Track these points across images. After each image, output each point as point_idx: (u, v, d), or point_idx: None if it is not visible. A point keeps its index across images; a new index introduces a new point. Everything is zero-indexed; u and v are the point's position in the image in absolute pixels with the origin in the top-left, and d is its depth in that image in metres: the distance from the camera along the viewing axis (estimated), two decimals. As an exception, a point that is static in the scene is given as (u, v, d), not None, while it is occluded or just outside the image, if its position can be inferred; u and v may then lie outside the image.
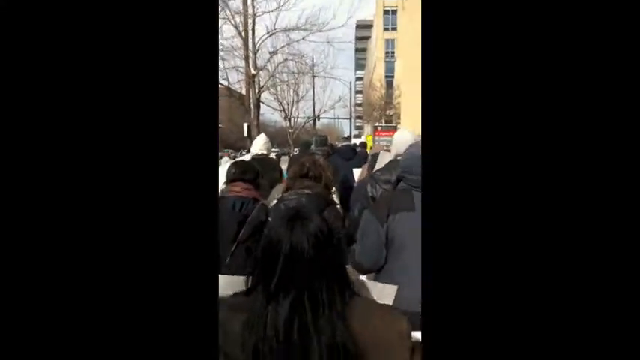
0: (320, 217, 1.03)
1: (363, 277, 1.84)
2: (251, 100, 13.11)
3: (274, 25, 13.30)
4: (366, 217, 1.87)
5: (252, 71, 12.87)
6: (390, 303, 1.20)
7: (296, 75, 17.03)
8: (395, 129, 18.95)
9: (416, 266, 1.53)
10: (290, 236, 0.96)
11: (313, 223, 0.99)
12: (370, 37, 50.61)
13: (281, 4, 12.76)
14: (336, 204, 2.46)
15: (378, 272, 1.81)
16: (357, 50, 58.76)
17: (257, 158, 4.19)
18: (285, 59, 14.70)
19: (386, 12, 39.84)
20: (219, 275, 1.20)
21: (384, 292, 1.18)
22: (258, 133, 13.24)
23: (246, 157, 4.53)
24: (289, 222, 0.98)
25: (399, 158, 2.71)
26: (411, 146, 2.04)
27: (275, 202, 2.56)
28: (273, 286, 0.95)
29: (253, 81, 13.10)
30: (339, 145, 6.67)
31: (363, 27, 52.24)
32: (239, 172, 2.76)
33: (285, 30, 13.29)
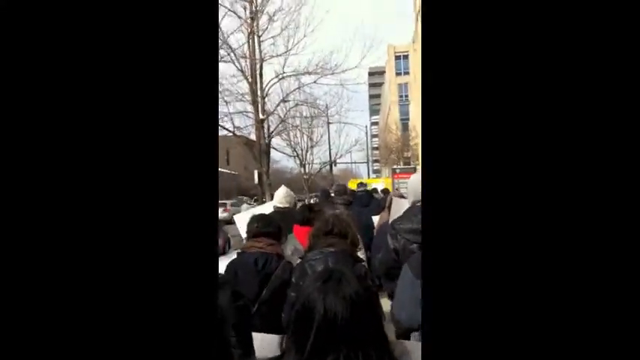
0: (356, 279, 0.98)
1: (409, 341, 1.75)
2: (261, 147, 12.56)
3: (283, 68, 12.57)
4: (403, 271, 1.78)
5: (261, 116, 12.32)
6: None
7: (309, 120, 16.57)
8: (414, 170, 18.81)
9: None
10: (324, 301, 0.91)
11: (350, 286, 0.94)
12: (383, 83, 51.56)
13: (289, 47, 12.13)
14: (362, 261, 2.35)
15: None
16: (370, 97, 59.80)
17: (279, 211, 4.04)
18: (297, 104, 14.14)
19: (397, 57, 40.76)
20: (254, 333, 1.13)
21: None
22: (268, 179, 12.99)
23: (268, 208, 4.38)
24: (323, 285, 0.94)
25: (418, 204, 2.60)
26: None
27: (297, 260, 2.45)
28: (307, 353, 0.90)
29: (262, 126, 12.56)
30: (358, 190, 6.65)
31: (375, 74, 53.38)
32: (262, 226, 2.61)
33: (296, 74, 12.64)
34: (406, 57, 39.60)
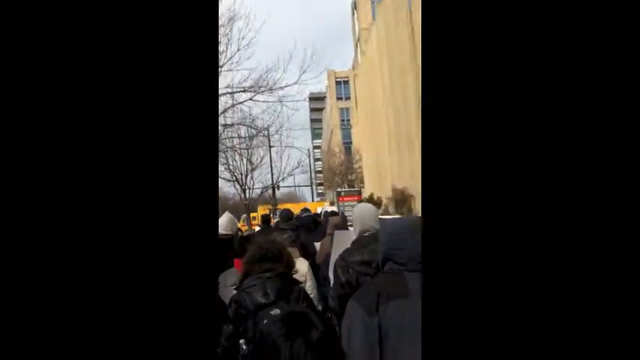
0: (320, 320, 0.97)
1: None
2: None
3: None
4: (351, 309, 1.55)
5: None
6: None
7: (247, 141, 15.34)
8: (359, 193, 18.93)
9: None
10: (290, 347, 0.92)
11: (316, 328, 0.95)
12: (324, 107, 52.39)
13: (222, 63, 10.56)
14: (300, 283, 2.33)
15: None
16: (312, 121, 60.36)
17: (222, 239, 3.89)
18: (232, 124, 12.91)
19: (338, 82, 41.64)
20: None
21: None
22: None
23: None
24: (287, 329, 0.95)
25: (365, 234, 2.56)
26: (384, 223, 1.82)
27: (232, 288, 2.34)
28: None
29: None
30: (302, 216, 6.54)
31: (316, 99, 54.15)
32: None
33: (231, 92, 11.12)
34: (347, 82, 40.56)
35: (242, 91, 11.17)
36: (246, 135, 14.71)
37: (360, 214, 2.68)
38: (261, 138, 16.03)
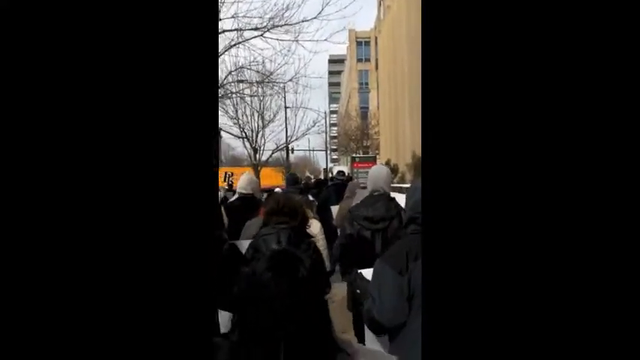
0: (309, 259, 0.97)
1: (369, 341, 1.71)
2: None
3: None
4: (379, 268, 1.67)
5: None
6: None
7: (258, 89, 12.65)
8: (374, 160, 18.75)
9: None
10: (276, 281, 0.90)
11: (303, 265, 0.92)
12: (342, 71, 51.53)
13: None
14: (312, 237, 2.47)
15: (398, 334, 1.62)
16: (330, 84, 59.41)
17: (242, 197, 4.10)
18: (241, 66, 10.22)
19: (358, 43, 40.69)
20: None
21: None
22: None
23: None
24: (275, 265, 0.92)
25: (375, 193, 2.65)
26: (412, 187, 1.88)
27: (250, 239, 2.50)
28: (253, 330, 0.89)
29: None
30: (335, 179, 6.70)
31: (336, 61, 53.24)
32: None
33: (237, 29, 8.44)
34: (367, 43, 39.64)
35: (253, 29, 8.55)
36: (257, 80, 11.77)
37: (374, 174, 2.84)
38: (276, 88, 13.14)
